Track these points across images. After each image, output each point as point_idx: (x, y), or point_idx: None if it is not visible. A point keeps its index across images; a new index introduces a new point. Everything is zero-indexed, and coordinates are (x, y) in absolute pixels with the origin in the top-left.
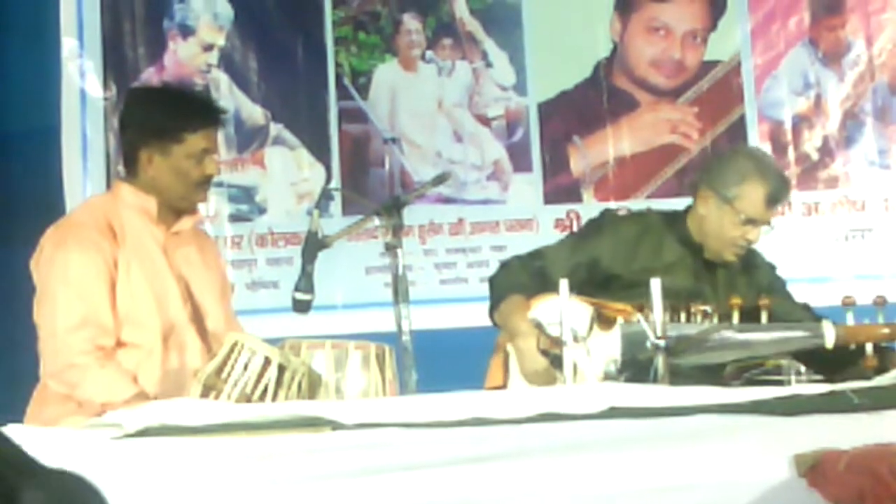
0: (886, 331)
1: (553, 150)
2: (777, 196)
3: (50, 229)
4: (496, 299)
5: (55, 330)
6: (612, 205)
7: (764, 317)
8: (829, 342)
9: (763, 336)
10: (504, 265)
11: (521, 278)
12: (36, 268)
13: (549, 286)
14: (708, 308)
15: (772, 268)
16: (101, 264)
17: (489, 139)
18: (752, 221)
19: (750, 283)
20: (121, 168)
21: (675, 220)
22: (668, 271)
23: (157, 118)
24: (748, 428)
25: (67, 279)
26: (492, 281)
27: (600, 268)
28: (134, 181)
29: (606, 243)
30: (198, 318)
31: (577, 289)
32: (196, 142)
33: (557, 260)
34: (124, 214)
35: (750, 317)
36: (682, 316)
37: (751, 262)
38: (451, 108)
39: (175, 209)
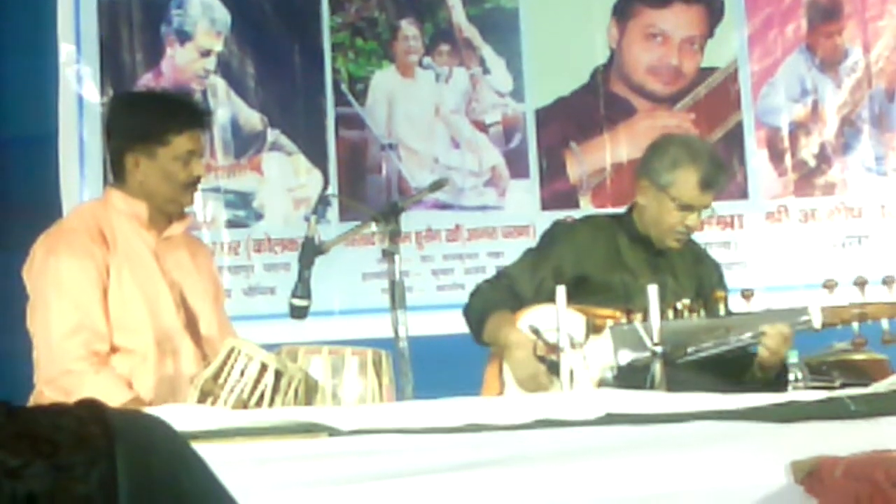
0: (869, 309)
1: (550, 156)
2: (711, 180)
3: (41, 237)
4: (478, 322)
5: (49, 337)
6: (609, 211)
7: (721, 308)
8: (817, 322)
9: (752, 320)
10: (474, 292)
11: (495, 298)
12: (28, 275)
13: (522, 302)
14: (694, 303)
15: (717, 265)
16: (93, 270)
17: (486, 145)
18: (688, 207)
19: (702, 272)
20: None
21: (621, 218)
22: (628, 267)
23: (142, 121)
24: (745, 434)
25: (60, 286)
26: (467, 310)
27: (565, 275)
28: (123, 187)
29: (565, 251)
30: (191, 324)
31: (548, 298)
32: (181, 143)
33: (522, 276)
34: (115, 220)
35: (706, 308)
36: (671, 314)
37: (699, 253)
38: (448, 115)
39: (165, 213)
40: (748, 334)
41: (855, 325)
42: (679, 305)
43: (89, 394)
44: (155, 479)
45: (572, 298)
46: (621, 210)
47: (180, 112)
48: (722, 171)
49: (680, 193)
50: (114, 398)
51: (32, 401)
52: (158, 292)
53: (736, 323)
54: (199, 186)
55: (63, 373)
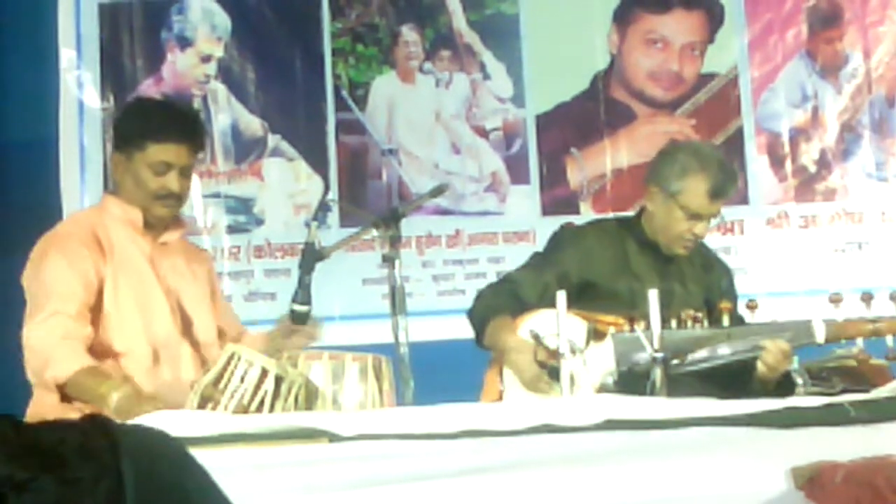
0: (875, 326)
1: (551, 161)
2: (720, 189)
3: (38, 242)
4: (479, 327)
5: (30, 330)
6: (618, 215)
7: (725, 320)
8: (820, 337)
9: (754, 332)
10: (478, 296)
11: (497, 302)
12: (25, 281)
13: (526, 307)
14: (698, 313)
15: (728, 273)
16: (79, 274)
17: (487, 151)
18: (696, 215)
19: (711, 280)
20: None
21: (629, 223)
22: (636, 273)
23: (130, 123)
24: (745, 440)
25: (47, 286)
26: (470, 314)
27: (571, 280)
28: (119, 192)
29: (572, 255)
30: (188, 329)
31: (554, 302)
32: (157, 152)
33: (527, 281)
34: (111, 226)
35: (710, 316)
36: (673, 323)
37: (710, 260)
38: (448, 120)
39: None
40: (744, 347)
41: (860, 340)
42: (683, 314)
43: (57, 362)
44: (161, 491)
45: (578, 303)
46: (629, 214)
47: (168, 122)
48: (731, 180)
49: (689, 201)
50: (73, 361)
51: (31, 405)
52: (154, 298)
53: (738, 334)
54: (186, 199)
55: (35, 354)
